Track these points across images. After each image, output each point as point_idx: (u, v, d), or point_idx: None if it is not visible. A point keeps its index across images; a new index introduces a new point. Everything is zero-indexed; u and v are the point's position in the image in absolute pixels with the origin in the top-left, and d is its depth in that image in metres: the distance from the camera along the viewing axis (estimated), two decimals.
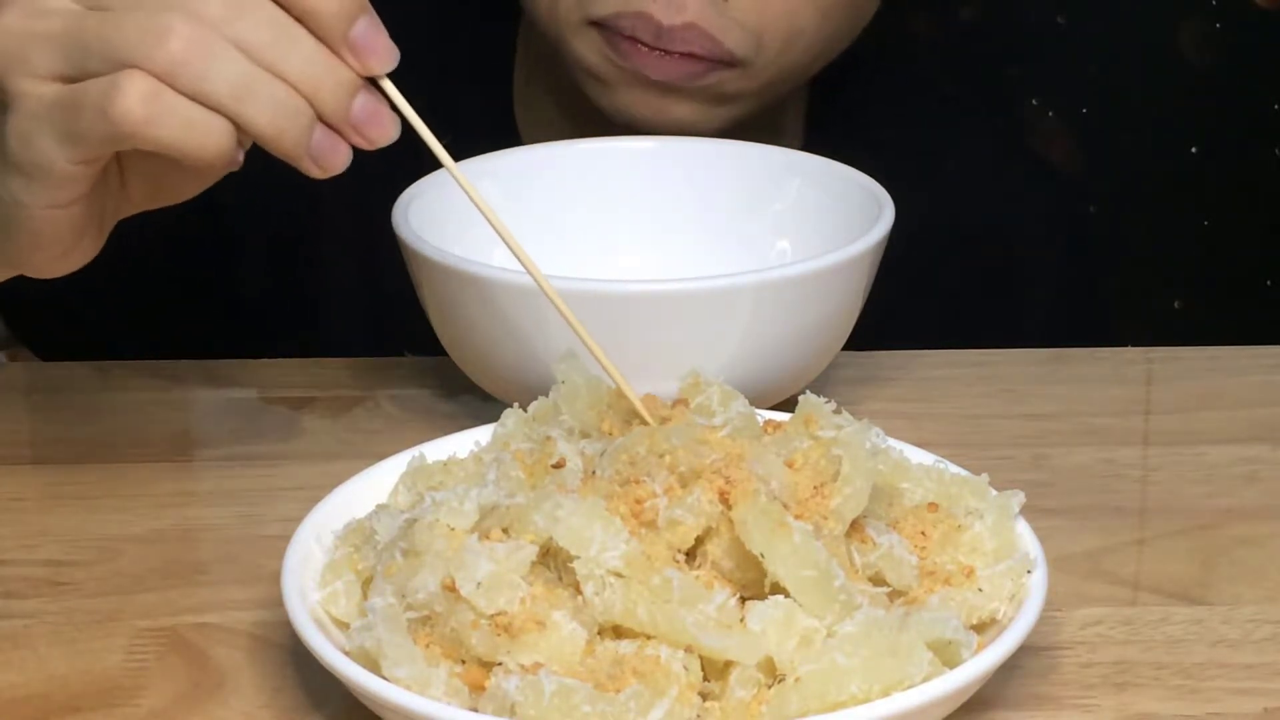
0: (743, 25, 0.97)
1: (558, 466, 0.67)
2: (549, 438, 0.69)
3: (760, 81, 1.00)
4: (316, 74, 0.69)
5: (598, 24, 0.98)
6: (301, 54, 0.69)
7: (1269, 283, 1.42)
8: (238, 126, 0.68)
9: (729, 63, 0.98)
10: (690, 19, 0.96)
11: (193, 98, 0.67)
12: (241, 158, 0.70)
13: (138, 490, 0.81)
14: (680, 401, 0.70)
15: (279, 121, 0.68)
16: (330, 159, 0.70)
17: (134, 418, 0.88)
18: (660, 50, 0.97)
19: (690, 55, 0.97)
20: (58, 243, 0.73)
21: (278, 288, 1.10)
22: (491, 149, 0.94)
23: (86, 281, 1.08)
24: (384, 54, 0.70)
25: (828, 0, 0.99)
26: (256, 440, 0.86)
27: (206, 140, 0.68)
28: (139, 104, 0.67)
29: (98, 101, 0.67)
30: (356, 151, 0.71)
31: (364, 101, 0.70)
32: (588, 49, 1.00)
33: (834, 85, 1.09)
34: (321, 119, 0.69)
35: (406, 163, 0.93)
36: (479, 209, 0.73)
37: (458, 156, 0.93)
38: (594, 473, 0.66)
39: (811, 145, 0.97)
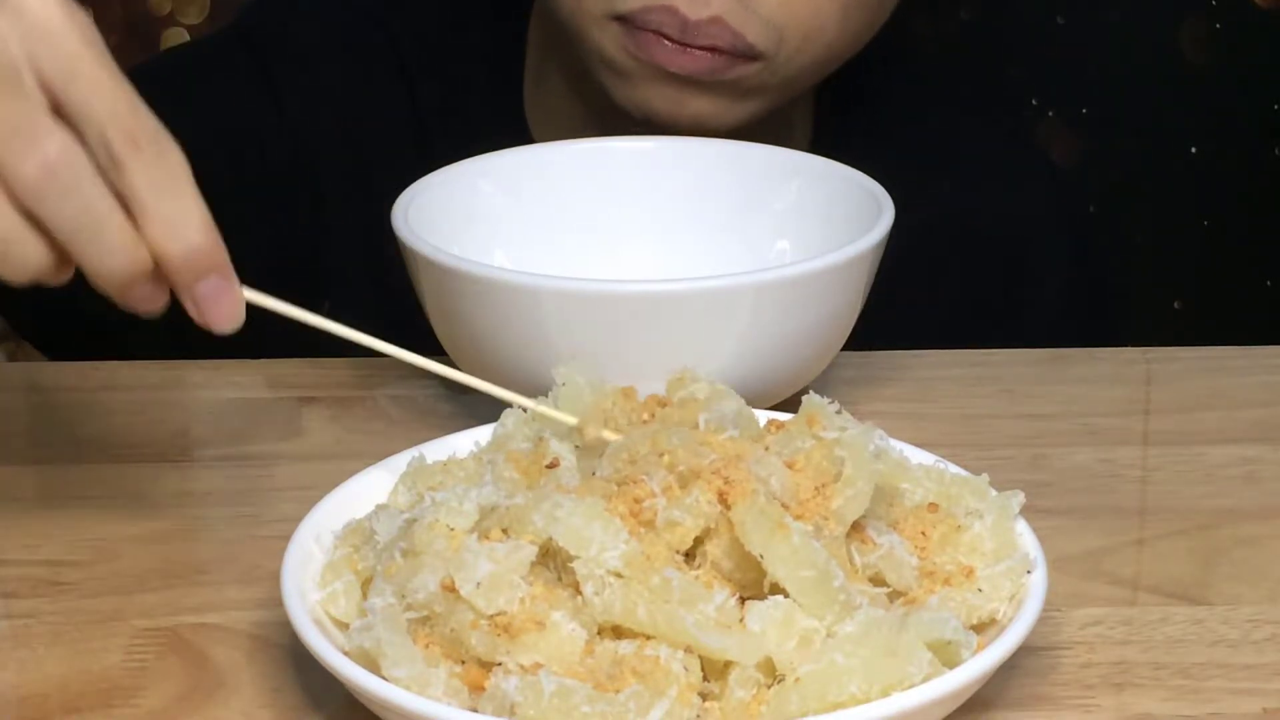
0: (765, 20, 0.98)
1: (552, 466, 0.67)
2: (541, 438, 0.69)
3: (780, 77, 1.01)
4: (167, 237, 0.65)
5: (621, 18, 0.99)
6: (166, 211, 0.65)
7: (1269, 283, 1.42)
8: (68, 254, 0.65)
9: (750, 56, 0.98)
10: (715, 13, 0.97)
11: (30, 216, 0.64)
12: (67, 275, 0.67)
13: (138, 490, 0.81)
14: (653, 398, 0.70)
15: (110, 264, 0.65)
16: (145, 306, 0.67)
17: (134, 418, 0.88)
18: (683, 45, 0.98)
19: (712, 49, 0.98)
20: None
21: (278, 287, 1.10)
22: (502, 145, 0.94)
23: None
24: (226, 318, 0.68)
25: None
26: (256, 440, 0.86)
27: (24, 259, 0.65)
28: None
29: None
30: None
31: (215, 283, 0.67)
32: (609, 43, 1.00)
33: (841, 84, 1.09)
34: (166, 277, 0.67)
35: (407, 162, 0.93)
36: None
37: (467, 153, 0.94)
38: (594, 473, 0.66)
39: (819, 143, 0.97)
